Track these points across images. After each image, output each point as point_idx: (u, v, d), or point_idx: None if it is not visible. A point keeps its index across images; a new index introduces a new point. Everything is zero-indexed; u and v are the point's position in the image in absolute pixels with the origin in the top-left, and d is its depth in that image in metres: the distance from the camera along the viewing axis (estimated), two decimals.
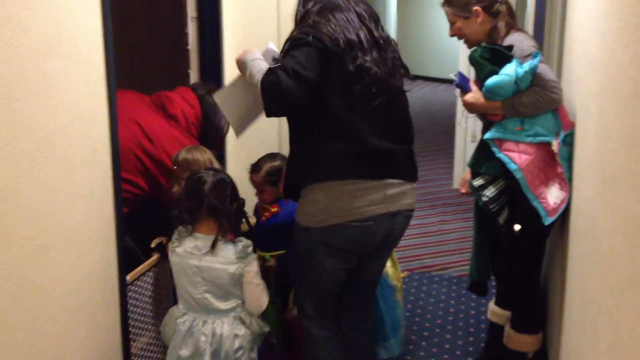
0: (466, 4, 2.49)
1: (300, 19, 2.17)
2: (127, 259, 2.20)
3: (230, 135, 3.23)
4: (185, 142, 2.60)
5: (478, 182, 2.42)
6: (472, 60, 2.43)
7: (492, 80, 2.31)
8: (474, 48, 2.49)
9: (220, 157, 3.12)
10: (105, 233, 2.04)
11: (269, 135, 3.47)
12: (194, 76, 3.04)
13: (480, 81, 2.42)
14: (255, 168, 2.70)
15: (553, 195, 2.29)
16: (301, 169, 2.13)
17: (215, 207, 2.13)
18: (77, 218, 1.87)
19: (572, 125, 2.31)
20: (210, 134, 2.81)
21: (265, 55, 2.17)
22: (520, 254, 2.50)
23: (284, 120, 3.48)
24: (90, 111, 1.91)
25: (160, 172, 2.56)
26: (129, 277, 2.22)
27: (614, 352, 1.31)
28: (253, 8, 3.35)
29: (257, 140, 3.38)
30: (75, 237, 1.87)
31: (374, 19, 2.16)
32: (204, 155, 2.50)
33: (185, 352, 2.12)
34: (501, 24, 2.48)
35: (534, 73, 2.24)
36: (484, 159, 2.42)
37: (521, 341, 2.61)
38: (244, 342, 2.17)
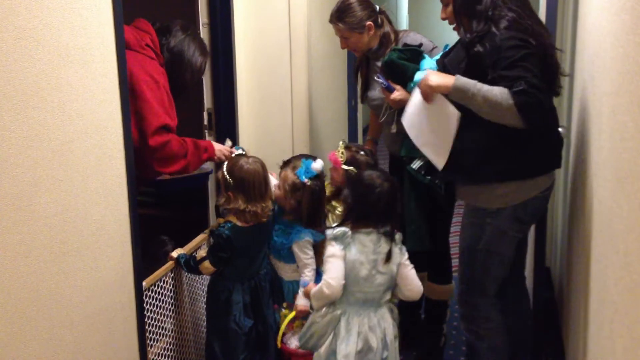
0: (360, 21, 2.84)
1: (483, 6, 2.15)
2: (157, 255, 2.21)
3: (244, 133, 3.24)
4: (136, 58, 2.45)
5: (417, 164, 2.70)
6: (392, 63, 2.68)
7: (421, 76, 2.56)
8: (390, 52, 2.75)
9: None
10: (121, 239, 2.05)
11: (282, 134, 3.49)
12: (206, 82, 3.05)
13: (401, 80, 2.67)
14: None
15: None
16: (502, 163, 2.17)
17: (390, 213, 2.29)
18: (93, 225, 1.89)
19: None
20: (182, 69, 2.66)
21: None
22: (449, 217, 3.00)
23: (296, 120, 3.51)
24: (104, 118, 1.93)
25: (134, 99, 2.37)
26: (145, 283, 2.24)
27: (630, 353, 1.30)
28: (264, 14, 3.36)
29: (271, 140, 3.40)
30: (91, 244, 1.88)
31: None
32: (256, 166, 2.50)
33: (356, 347, 2.21)
34: (388, 30, 2.90)
35: None
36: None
37: (444, 290, 3.04)
38: (395, 331, 2.33)
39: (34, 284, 1.62)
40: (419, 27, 11.53)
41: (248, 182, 2.42)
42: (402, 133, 2.80)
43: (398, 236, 2.31)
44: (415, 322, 3.22)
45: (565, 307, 2.77)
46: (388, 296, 2.31)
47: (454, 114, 2.21)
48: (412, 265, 2.32)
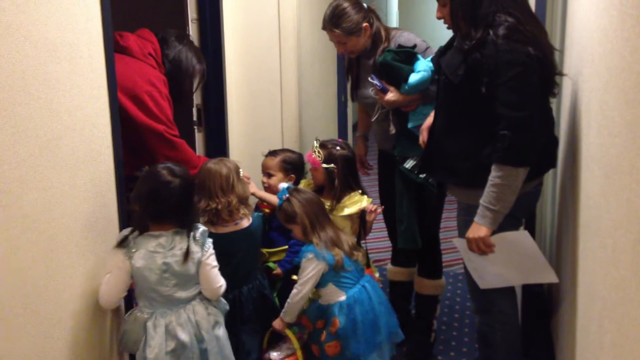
0: (357, 24, 2.75)
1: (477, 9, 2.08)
2: None
3: (233, 129, 3.23)
4: (139, 67, 2.49)
5: (410, 164, 2.74)
6: (387, 65, 2.68)
7: (415, 78, 2.65)
8: (385, 53, 2.73)
9: (223, 151, 3.12)
10: (109, 236, 2.04)
11: (272, 129, 3.49)
12: None
13: (395, 82, 2.68)
14: (272, 153, 2.88)
15: None
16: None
17: (185, 210, 2.11)
18: (81, 221, 1.88)
19: None
20: (181, 78, 2.67)
21: None
22: (440, 212, 2.99)
23: (286, 116, 3.51)
24: (92, 114, 1.92)
25: (136, 106, 2.41)
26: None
27: (618, 347, 1.31)
28: (253, 9, 3.35)
29: (260, 135, 3.39)
30: (79, 241, 1.87)
31: None
32: (224, 169, 2.45)
33: (165, 347, 2.05)
34: (379, 28, 2.83)
35: None
36: (411, 144, 2.71)
37: (434, 285, 3.06)
38: (218, 318, 2.19)
39: (22, 281, 1.61)
40: (409, 25, 11.51)
41: (208, 180, 2.41)
42: (398, 133, 2.81)
43: (199, 233, 2.14)
44: (405, 317, 3.23)
45: (555, 302, 2.78)
46: (195, 291, 2.15)
47: (521, 235, 2.16)
48: (213, 265, 2.16)
